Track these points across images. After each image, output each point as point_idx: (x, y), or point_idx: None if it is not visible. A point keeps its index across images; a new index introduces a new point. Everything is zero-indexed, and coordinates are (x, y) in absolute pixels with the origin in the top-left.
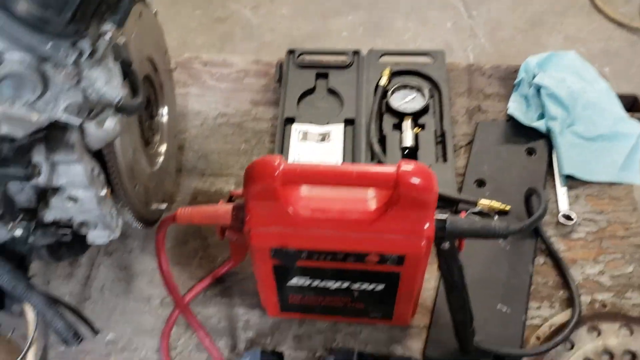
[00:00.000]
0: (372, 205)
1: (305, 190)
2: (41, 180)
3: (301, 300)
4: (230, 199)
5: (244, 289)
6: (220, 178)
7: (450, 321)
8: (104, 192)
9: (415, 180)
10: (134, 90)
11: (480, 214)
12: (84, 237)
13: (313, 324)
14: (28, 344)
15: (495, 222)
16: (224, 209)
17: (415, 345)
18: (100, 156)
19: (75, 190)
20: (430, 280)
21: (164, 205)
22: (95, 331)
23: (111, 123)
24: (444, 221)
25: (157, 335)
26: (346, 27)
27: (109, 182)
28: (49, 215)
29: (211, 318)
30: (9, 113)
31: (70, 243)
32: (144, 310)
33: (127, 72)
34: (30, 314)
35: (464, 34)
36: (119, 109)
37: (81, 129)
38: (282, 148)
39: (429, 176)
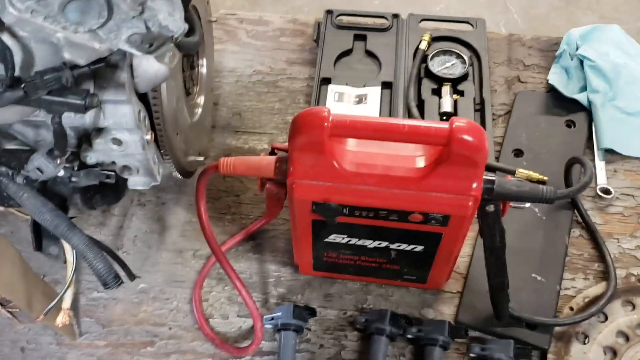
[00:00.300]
0: (420, 162)
1: (350, 144)
2: (88, 119)
3: (336, 259)
4: (272, 152)
5: (275, 246)
6: (254, 136)
7: (484, 289)
8: (148, 136)
9: (468, 137)
10: (191, 28)
11: None
12: (118, 186)
13: (344, 284)
14: (67, 285)
15: (543, 186)
16: (267, 160)
17: (447, 310)
18: (145, 101)
19: (121, 133)
20: (465, 247)
21: (201, 158)
22: (133, 276)
23: (165, 62)
24: (493, 182)
25: (189, 286)
26: (374, 8)
27: (152, 128)
28: (92, 158)
29: (243, 273)
30: (72, 39)
31: (105, 191)
32: (176, 261)
33: (186, 9)
34: (69, 256)
35: (497, 9)
36: (178, 45)
37: (131, 68)
38: None
39: (481, 134)
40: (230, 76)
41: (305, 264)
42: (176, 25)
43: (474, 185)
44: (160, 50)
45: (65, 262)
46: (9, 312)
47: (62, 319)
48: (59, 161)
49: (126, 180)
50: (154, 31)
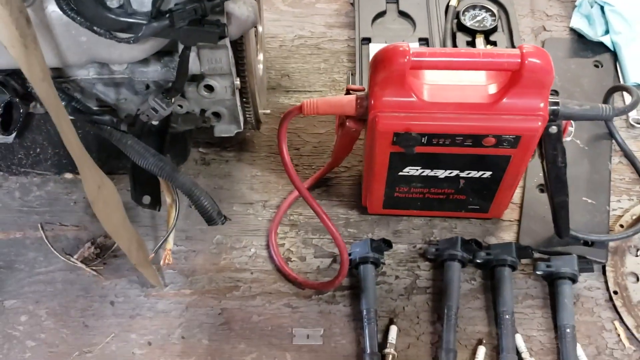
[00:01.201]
0: (492, 89)
1: (427, 77)
2: (191, 65)
3: (406, 193)
4: (348, 93)
5: (341, 192)
6: (305, 94)
7: (539, 214)
8: (237, 81)
9: (537, 60)
10: None
11: None
12: (185, 146)
13: (410, 221)
14: (172, 226)
15: (603, 105)
16: (348, 98)
17: (507, 236)
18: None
19: (214, 79)
20: None
21: (268, 111)
22: (225, 218)
23: (252, 5)
24: (557, 103)
25: (263, 234)
26: None
27: (240, 75)
28: (184, 107)
29: (313, 218)
30: None
31: (173, 151)
32: (248, 213)
33: None
34: (169, 199)
35: None
36: None
37: (227, 15)
38: (362, 66)
39: (547, 57)
40: (274, 42)
41: (375, 202)
42: None
43: (542, 105)
44: None
45: (159, 209)
46: (93, 269)
47: (167, 259)
48: (172, 100)
49: (190, 139)
50: None
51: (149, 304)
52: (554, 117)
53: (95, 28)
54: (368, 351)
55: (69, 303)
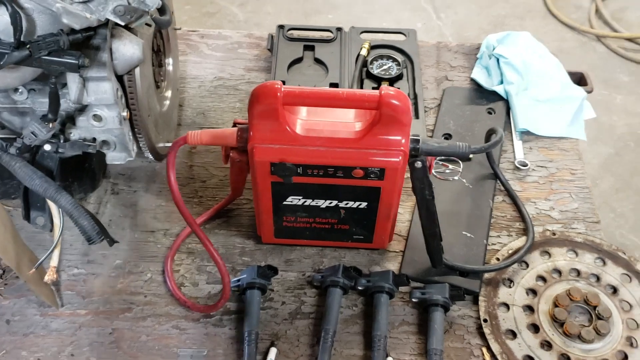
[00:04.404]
0: (358, 126)
1: (300, 112)
2: (73, 96)
3: (294, 223)
4: (234, 126)
5: (240, 222)
6: None
7: (422, 247)
8: (125, 112)
9: (395, 101)
10: (163, 10)
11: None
12: (94, 176)
13: (302, 250)
14: (54, 243)
15: (460, 142)
16: (230, 130)
17: (392, 266)
18: (121, 84)
19: (101, 109)
20: (405, 214)
21: (169, 144)
22: (112, 241)
23: (138, 44)
24: (418, 140)
25: (160, 260)
26: (326, 25)
27: (128, 107)
28: (75, 134)
29: None
30: (69, 9)
31: (82, 180)
32: (149, 240)
33: None
34: (56, 219)
35: (433, 33)
36: (154, 19)
37: (110, 51)
38: None
39: (405, 99)
40: (194, 82)
41: (266, 232)
42: (152, 0)
43: (403, 141)
44: (138, 21)
45: (51, 230)
46: None
47: (50, 276)
48: (51, 125)
49: (101, 171)
50: (133, 5)
51: (44, 323)
52: (415, 152)
53: None
54: None
55: None
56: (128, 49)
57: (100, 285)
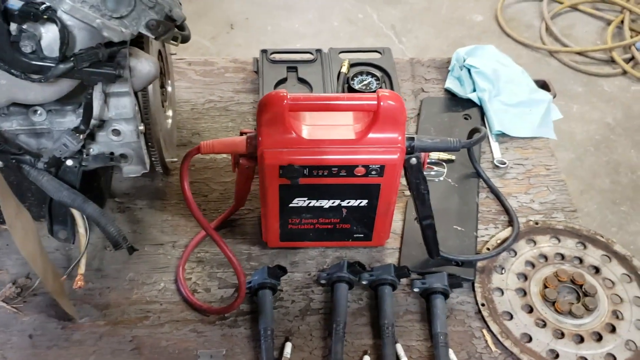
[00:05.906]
0: (358, 128)
1: (307, 119)
2: (95, 111)
3: (298, 225)
4: (242, 134)
5: (244, 231)
6: None
7: (417, 242)
8: (142, 126)
9: (391, 102)
10: (182, 26)
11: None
12: (102, 195)
13: (306, 252)
14: (82, 251)
15: (451, 138)
16: (240, 139)
17: (390, 261)
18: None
19: (120, 124)
20: (397, 214)
21: (175, 159)
22: (132, 249)
23: (154, 62)
24: (413, 138)
25: (172, 271)
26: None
27: (143, 122)
28: (95, 149)
29: (218, 254)
30: (107, 24)
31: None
32: (158, 252)
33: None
34: (82, 229)
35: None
36: (179, 27)
37: (130, 68)
38: None
39: (400, 100)
40: (186, 105)
41: (272, 235)
42: (178, 14)
43: (399, 138)
44: (167, 34)
45: (73, 242)
46: (14, 307)
47: (78, 283)
48: (81, 137)
49: (107, 190)
50: (163, 19)
51: (65, 335)
52: (411, 149)
53: (12, 71)
54: None
55: None
56: (144, 66)
57: (116, 297)
